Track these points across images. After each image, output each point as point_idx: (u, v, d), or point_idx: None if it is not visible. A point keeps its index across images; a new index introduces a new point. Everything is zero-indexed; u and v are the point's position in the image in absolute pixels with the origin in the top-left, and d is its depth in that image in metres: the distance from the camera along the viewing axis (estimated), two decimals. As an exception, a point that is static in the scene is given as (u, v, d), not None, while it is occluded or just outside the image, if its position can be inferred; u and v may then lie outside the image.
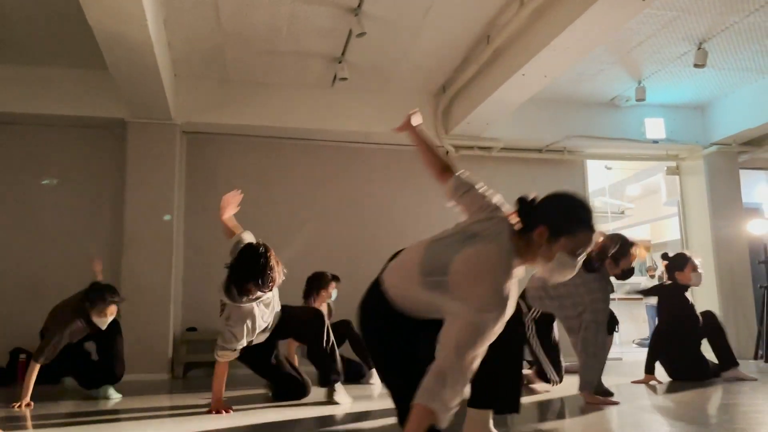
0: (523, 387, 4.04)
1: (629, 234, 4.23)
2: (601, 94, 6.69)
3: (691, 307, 4.75)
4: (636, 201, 12.10)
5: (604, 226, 12.35)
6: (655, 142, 7.00)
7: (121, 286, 5.60)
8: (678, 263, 4.73)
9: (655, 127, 6.93)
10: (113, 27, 3.99)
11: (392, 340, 2.11)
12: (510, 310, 1.86)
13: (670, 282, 4.76)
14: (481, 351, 1.81)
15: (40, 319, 4.14)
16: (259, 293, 3.34)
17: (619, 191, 11.26)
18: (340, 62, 5.65)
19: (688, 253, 4.88)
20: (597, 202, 11.42)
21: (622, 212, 11.83)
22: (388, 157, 6.77)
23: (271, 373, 3.83)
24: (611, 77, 6.24)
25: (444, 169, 2.31)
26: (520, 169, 7.10)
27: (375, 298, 2.13)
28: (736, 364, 4.56)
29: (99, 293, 3.87)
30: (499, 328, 1.83)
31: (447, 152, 6.77)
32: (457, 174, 2.26)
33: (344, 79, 5.71)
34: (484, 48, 5.26)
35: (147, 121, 5.85)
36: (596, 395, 3.52)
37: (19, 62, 5.59)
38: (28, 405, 3.50)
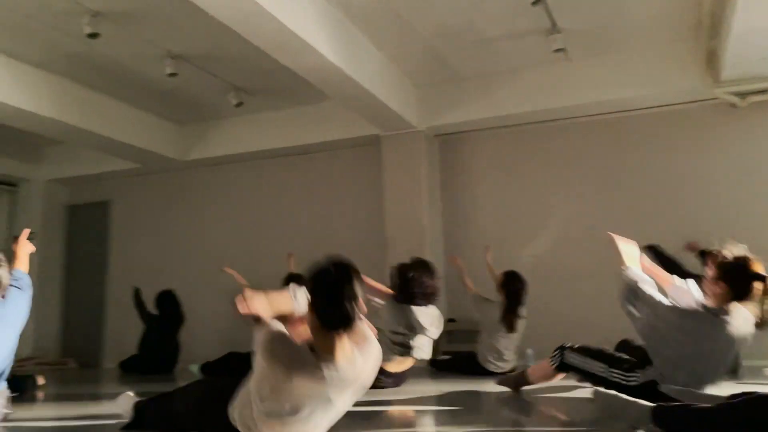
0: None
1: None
2: None
3: None
4: None
5: None
6: None
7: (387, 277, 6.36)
8: None
9: None
10: (298, 63, 4.69)
11: None
12: None
13: None
14: None
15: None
16: None
17: None
18: (551, 34, 5.22)
19: None
20: None
21: None
22: (649, 124, 5.87)
23: None
24: None
25: None
26: None
27: None
28: None
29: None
30: None
31: (732, 104, 5.49)
32: None
33: (561, 50, 5.25)
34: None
35: (396, 133, 6.46)
36: None
37: (297, 104, 6.87)
38: None
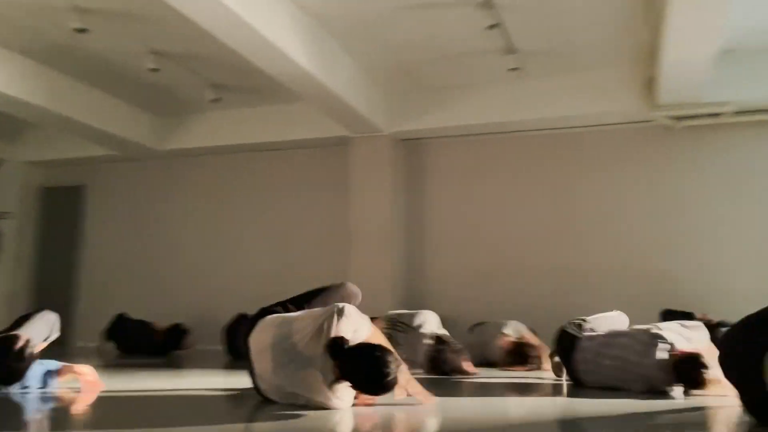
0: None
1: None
2: None
3: None
4: None
5: None
6: None
7: (351, 275, 6.79)
8: None
9: None
10: (273, 68, 5.09)
11: None
12: None
13: None
14: None
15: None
16: None
17: None
18: (507, 54, 5.69)
19: None
20: None
21: None
22: (592, 140, 6.44)
23: None
24: None
25: None
26: (772, 134, 5.84)
27: None
28: None
29: None
30: None
31: (667, 127, 6.06)
32: None
33: (515, 69, 5.74)
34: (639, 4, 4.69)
35: (363, 135, 6.89)
36: None
37: (271, 103, 7.25)
38: None
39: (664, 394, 3.35)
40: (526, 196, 6.62)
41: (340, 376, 2.57)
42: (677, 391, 3.36)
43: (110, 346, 6.69)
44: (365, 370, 2.51)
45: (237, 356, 5.80)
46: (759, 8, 4.86)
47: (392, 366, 2.49)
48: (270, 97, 7.11)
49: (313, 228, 7.32)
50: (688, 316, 5.01)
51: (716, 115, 5.80)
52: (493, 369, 4.93)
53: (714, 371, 3.17)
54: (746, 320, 2.55)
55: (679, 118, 5.96)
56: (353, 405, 2.72)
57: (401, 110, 6.83)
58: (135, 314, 6.87)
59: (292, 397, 2.72)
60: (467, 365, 4.43)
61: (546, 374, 4.53)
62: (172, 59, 6.07)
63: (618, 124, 6.28)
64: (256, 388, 2.91)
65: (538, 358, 4.85)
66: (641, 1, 4.60)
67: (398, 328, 4.81)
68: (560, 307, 6.10)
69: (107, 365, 5.21)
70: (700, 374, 3.26)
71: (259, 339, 2.83)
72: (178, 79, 6.58)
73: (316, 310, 2.80)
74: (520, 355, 4.87)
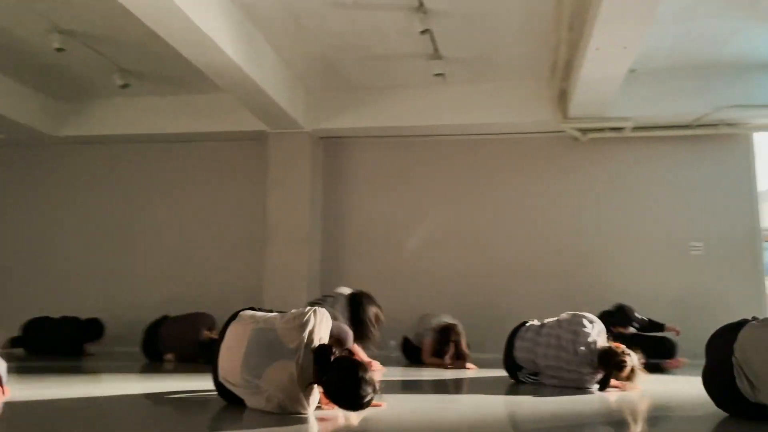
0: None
1: None
2: (755, 54, 5.69)
3: None
4: None
5: None
6: (844, 102, 5.68)
7: (266, 274, 6.65)
8: None
9: (843, 86, 5.64)
10: (199, 57, 4.87)
11: None
12: None
13: None
14: None
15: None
16: None
17: None
18: (433, 59, 5.82)
19: None
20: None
21: None
22: (508, 147, 6.74)
23: None
24: (756, 34, 5.29)
25: None
26: (664, 149, 6.43)
27: None
28: None
29: None
30: None
31: (575, 138, 6.47)
32: None
33: (440, 74, 5.88)
34: (562, 25, 4.97)
35: (283, 131, 6.76)
36: None
37: (185, 92, 6.93)
38: None
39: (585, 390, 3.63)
40: (442, 199, 6.80)
41: (317, 382, 2.59)
42: (597, 383, 3.68)
43: (19, 351, 6.07)
44: (346, 387, 2.54)
45: (153, 357, 5.55)
46: (657, 31, 5.29)
47: (371, 389, 2.54)
48: (182, 87, 6.79)
49: (227, 227, 7.08)
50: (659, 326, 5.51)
51: (619, 129, 6.27)
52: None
53: (634, 361, 3.54)
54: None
55: (586, 131, 6.38)
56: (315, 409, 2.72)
57: (323, 108, 6.77)
58: (27, 314, 6.30)
59: (254, 394, 2.68)
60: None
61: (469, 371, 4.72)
62: (80, 39, 5.62)
63: (532, 133, 6.61)
64: (217, 384, 2.90)
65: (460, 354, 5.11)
66: (563, 19, 4.87)
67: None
68: (476, 307, 6.36)
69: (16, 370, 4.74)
70: (623, 361, 3.57)
71: (237, 330, 2.84)
72: (84, 61, 6.11)
73: (297, 310, 2.86)
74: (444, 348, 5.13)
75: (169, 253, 7.12)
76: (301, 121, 6.63)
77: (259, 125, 6.73)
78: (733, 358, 2.69)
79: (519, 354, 4.08)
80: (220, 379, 2.86)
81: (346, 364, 2.60)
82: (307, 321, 2.69)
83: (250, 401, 2.73)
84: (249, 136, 6.99)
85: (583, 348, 3.71)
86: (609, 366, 3.67)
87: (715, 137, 6.27)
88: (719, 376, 2.78)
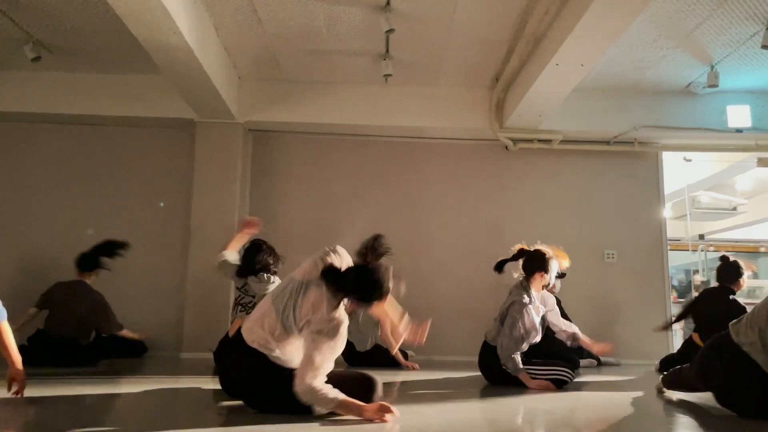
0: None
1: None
2: (672, 81, 6.25)
3: None
4: (752, 197, 11.03)
5: (712, 224, 11.46)
6: (739, 131, 6.43)
7: (188, 270, 6.21)
8: None
9: (738, 115, 6.39)
10: (151, 36, 4.44)
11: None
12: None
13: None
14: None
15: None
16: None
17: (729, 186, 10.36)
18: (384, 59, 5.77)
19: None
20: (705, 198, 10.59)
21: (734, 208, 10.85)
22: (440, 152, 6.85)
23: None
24: (679, 63, 5.82)
25: None
26: (586, 162, 6.86)
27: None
28: None
29: None
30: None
31: (506, 147, 6.71)
32: None
33: (388, 75, 5.83)
34: (522, 39, 5.14)
35: (213, 121, 6.36)
36: None
37: (102, 71, 6.30)
38: None
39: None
40: (377, 199, 6.75)
41: (338, 293, 2.81)
42: None
43: None
44: (361, 277, 2.83)
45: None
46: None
47: (386, 274, 2.89)
48: (102, 65, 6.18)
49: (147, 219, 6.52)
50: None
51: (548, 141, 6.61)
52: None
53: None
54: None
55: (517, 141, 6.66)
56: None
57: (257, 99, 6.46)
58: None
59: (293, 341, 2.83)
60: None
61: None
62: (-8, 2, 4.90)
63: (465, 139, 6.78)
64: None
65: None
66: (525, 32, 5.03)
67: None
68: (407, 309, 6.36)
69: None
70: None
71: (258, 309, 2.95)
72: (-12, 27, 5.34)
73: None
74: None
75: (75, 249, 6.41)
76: (234, 111, 6.29)
77: (186, 113, 6.29)
78: (743, 347, 2.87)
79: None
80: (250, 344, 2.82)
81: (354, 267, 2.91)
82: (319, 260, 2.91)
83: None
84: (173, 124, 6.50)
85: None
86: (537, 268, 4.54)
87: (629, 154, 6.81)
88: (737, 376, 2.92)
